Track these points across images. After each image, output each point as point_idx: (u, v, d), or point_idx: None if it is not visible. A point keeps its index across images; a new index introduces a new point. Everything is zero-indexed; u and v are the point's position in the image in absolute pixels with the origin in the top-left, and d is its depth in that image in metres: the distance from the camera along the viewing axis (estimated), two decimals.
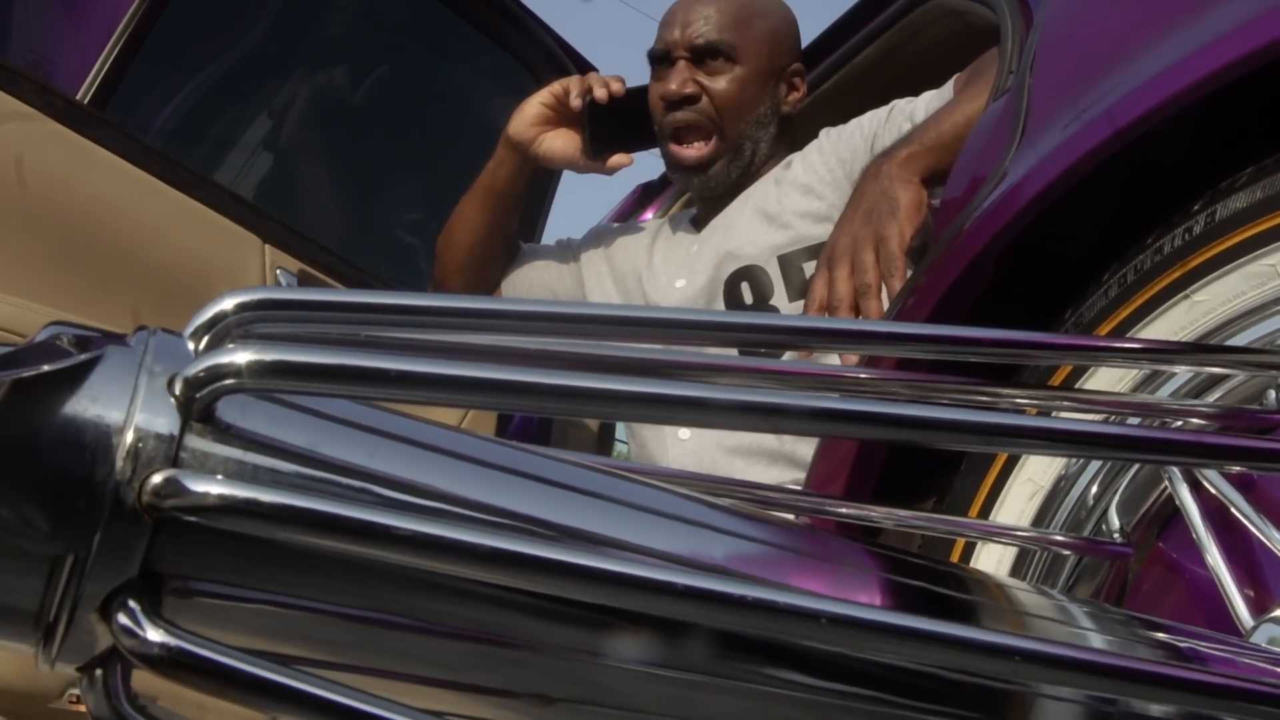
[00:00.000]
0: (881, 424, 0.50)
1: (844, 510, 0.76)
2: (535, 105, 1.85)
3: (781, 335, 0.66)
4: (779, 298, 1.68)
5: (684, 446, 1.67)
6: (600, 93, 1.80)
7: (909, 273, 1.32)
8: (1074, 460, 0.98)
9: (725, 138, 1.77)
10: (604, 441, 2.22)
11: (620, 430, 2.33)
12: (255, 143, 2.25)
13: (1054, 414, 0.96)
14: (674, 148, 1.79)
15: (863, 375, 0.70)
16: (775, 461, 1.62)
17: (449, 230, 1.94)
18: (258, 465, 0.41)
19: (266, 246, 1.81)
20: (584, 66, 2.26)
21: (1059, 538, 0.91)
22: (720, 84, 1.76)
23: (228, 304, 0.44)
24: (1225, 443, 0.61)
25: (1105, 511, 0.97)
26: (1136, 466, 0.96)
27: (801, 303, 1.66)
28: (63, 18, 1.81)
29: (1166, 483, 0.94)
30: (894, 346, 0.71)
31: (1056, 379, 0.99)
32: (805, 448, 1.59)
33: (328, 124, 2.33)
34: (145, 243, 1.68)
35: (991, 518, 1.01)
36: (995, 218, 1.05)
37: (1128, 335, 0.94)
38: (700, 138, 1.77)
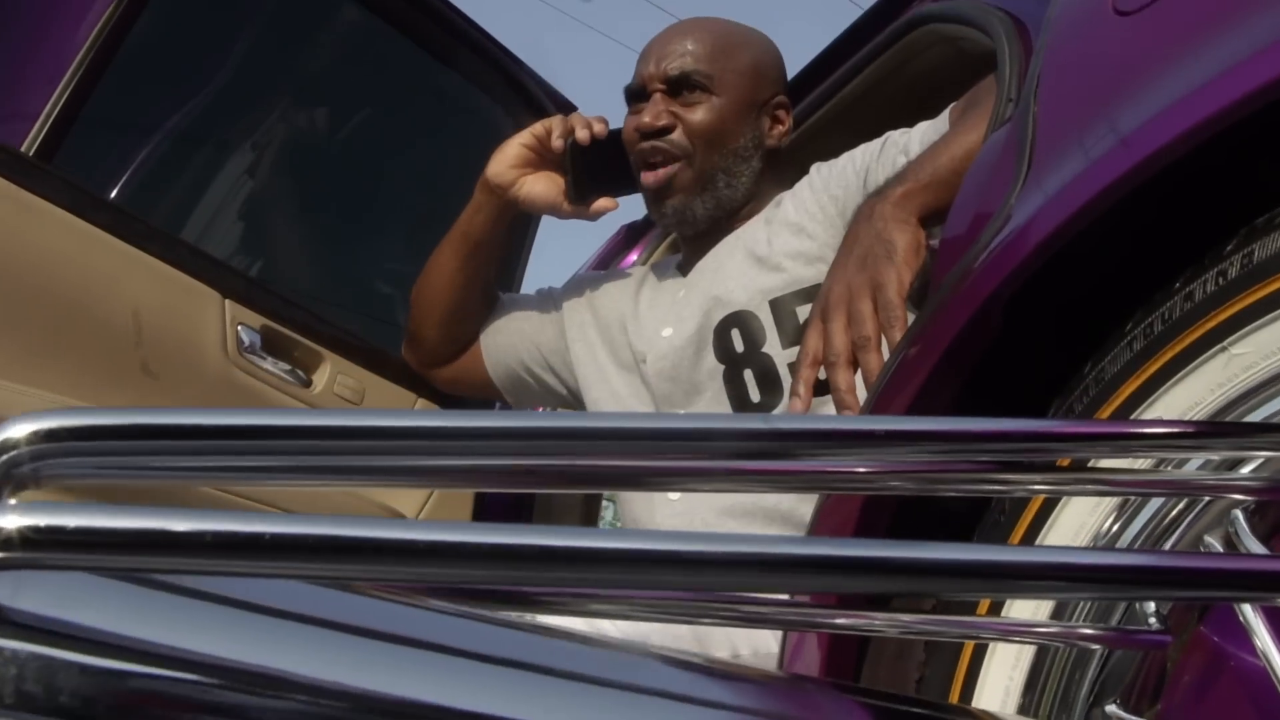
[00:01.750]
0: (860, 572, 0.40)
1: (840, 621, 0.66)
2: (515, 146, 1.76)
3: (762, 443, 0.57)
4: (771, 344, 1.58)
5: (673, 508, 1.56)
6: (582, 134, 1.72)
7: (909, 321, 1.21)
8: (1105, 529, 0.87)
9: (694, 166, 1.67)
10: (590, 502, 2.11)
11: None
12: (221, 193, 2.15)
13: (1069, 499, 0.86)
14: (643, 174, 1.70)
15: (860, 470, 0.60)
16: (772, 521, 1.52)
17: (424, 280, 1.85)
18: (32, 657, 0.31)
19: (227, 302, 1.72)
20: (564, 107, 2.16)
21: (1086, 631, 0.80)
22: (696, 115, 1.68)
23: (17, 432, 0.33)
24: None
25: None
26: (1173, 538, 0.85)
27: (795, 349, 1.56)
28: (4, 64, 1.71)
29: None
30: (896, 449, 0.61)
31: None
32: (805, 506, 1.49)
33: (297, 171, 2.23)
34: (93, 300, 1.58)
35: (1008, 603, 0.90)
36: (1002, 262, 0.94)
37: (1157, 398, 0.84)
38: (666, 162, 1.67)
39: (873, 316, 1.22)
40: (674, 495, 1.57)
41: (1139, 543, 0.86)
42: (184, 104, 2.05)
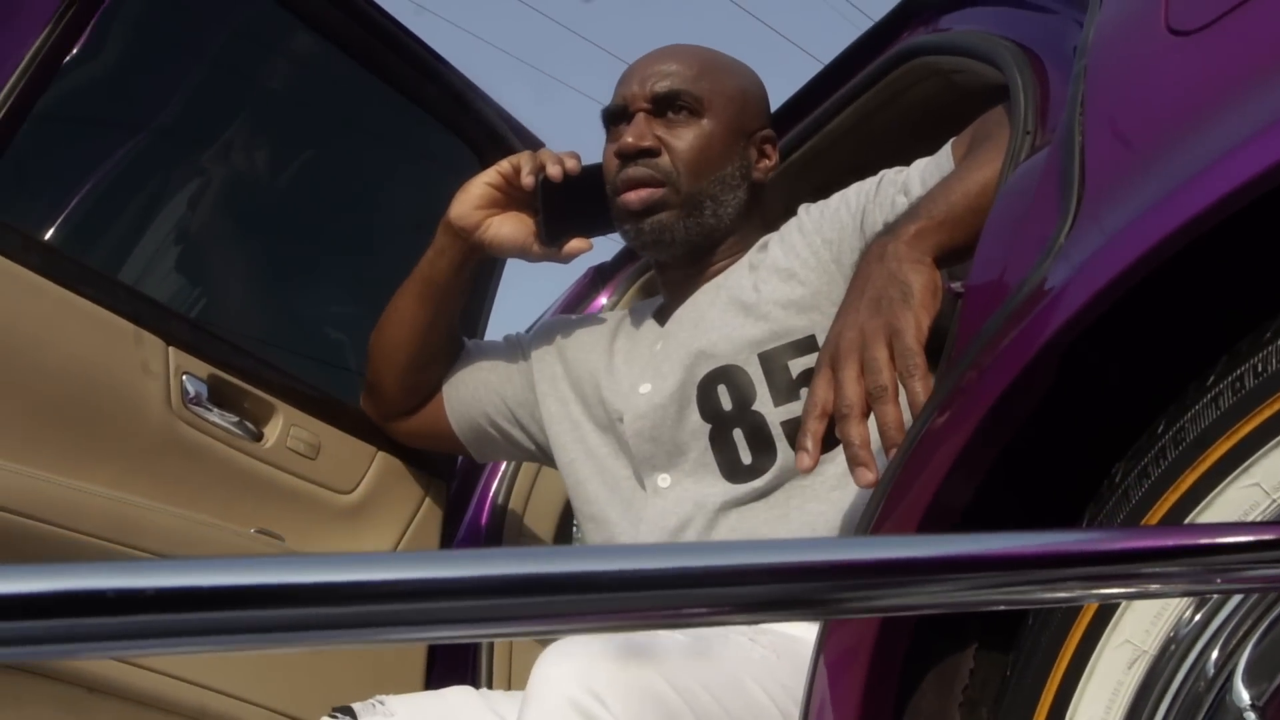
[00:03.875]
0: None
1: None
2: (480, 186, 1.63)
3: (779, 585, 0.48)
4: (762, 401, 1.46)
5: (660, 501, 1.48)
6: (554, 170, 1.59)
7: (930, 373, 1.11)
8: (1186, 616, 0.77)
9: (680, 192, 1.55)
10: (564, 528, 2.00)
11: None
12: (165, 234, 2.01)
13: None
14: (623, 196, 1.57)
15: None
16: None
17: (382, 327, 1.72)
18: None
19: (171, 349, 1.58)
20: (531, 143, 2.05)
21: None
22: (683, 139, 1.56)
23: None
24: None
25: (1230, 680, 0.75)
26: (1270, 619, 0.75)
27: (790, 405, 1.45)
28: None
29: None
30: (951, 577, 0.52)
31: (1156, 513, 0.78)
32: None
33: (247, 211, 2.10)
34: (21, 350, 1.43)
35: (1080, 691, 0.79)
36: (1060, 307, 0.84)
37: (1253, 462, 0.74)
38: (651, 186, 1.56)
39: (889, 365, 1.11)
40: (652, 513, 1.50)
41: (1230, 630, 0.76)
42: (125, 140, 1.91)
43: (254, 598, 0.36)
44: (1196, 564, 0.57)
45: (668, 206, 1.56)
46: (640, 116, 1.57)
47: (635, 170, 1.55)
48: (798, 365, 1.46)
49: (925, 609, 0.58)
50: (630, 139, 1.55)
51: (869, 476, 1.07)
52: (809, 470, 1.12)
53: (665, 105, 1.57)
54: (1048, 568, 0.56)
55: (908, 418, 1.06)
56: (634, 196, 1.56)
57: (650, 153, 1.55)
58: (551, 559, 0.51)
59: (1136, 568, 0.56)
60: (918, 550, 0.56)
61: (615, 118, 1.60)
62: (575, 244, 1.64)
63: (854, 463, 1.09)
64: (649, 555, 0.53)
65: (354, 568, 0.39)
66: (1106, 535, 0.63)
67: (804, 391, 1.42)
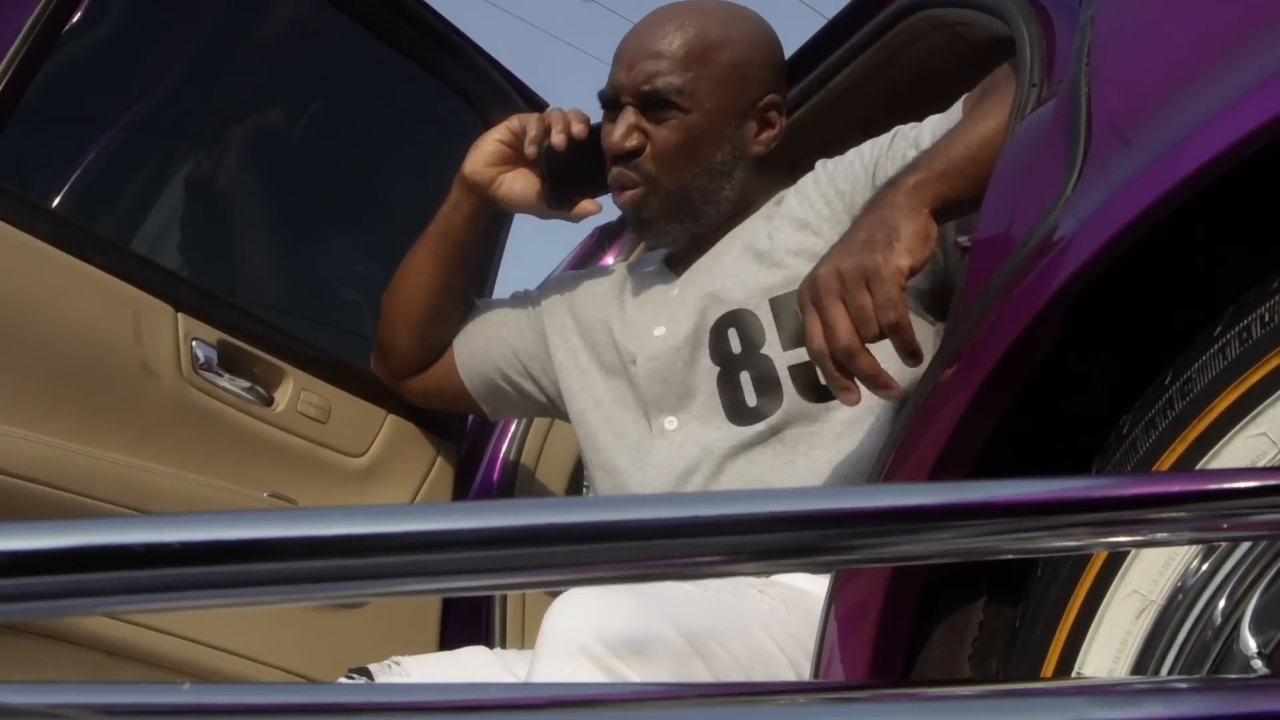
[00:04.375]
0: None
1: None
2: (491, 143, 1.65)
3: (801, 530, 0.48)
4: (771, 345, 1.48)
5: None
6: (558, 139, 1.60)
7: (934, 324, 1.12)
8: (1194, 566, 0.77)
9: (658, 192, 1.56)
10: (574, 487, 2.01)
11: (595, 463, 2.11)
12: (172, 200, 2.01)
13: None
14: (614, 195, 1.61)
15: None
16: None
17: (396, 283, 1.73)
18: None
19: (180, 315, 1.58)
20: (536, 104, 2.04)
21: (1180, 685, 0.69)
22: (665, 133, 1.54)
23: None
24: None
25: (1237, 629, 0.76)
26: (1277, 568, 0.75)
27: (798, 350, 1.46)
28: None
29: None
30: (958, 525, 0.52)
31: (1164, 464, 0.79)
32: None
33: (254, 174, 2.10)
34: (33, 316, 1.44)
35: (1089, 641, 0.80)
36: (1067, 259, 0.84)
37: (1261, 411, 0.74)
38: (631, 187, 1.57)
39: (870, 307, 1.14)
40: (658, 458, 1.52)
41: (1236, 579, 0.76)
42: (132, 103, 1.91)
43: (277, 550, 0.36)
44: (1203, 510, 0.57)
45: (651, 210, 1.57)
46: (627, 110, 1.56)
47: (618, 170, 1.56)
48: None
49: (936, 557, 0.58)
50: (616, 138, 1.55)
51: (896, 388, 1.14)
52: (856, 403, 1.17)
53: (649, 102, 1.55)
54: (1056, 514, 0.56)
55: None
56: (619, 198, 1.59)
57: (634, 153, 1.55)
58: (564, 510, 0.52)
59: (1144, 514, 0.57)
60: (928, 498, 0.56)
61: (609, 104, 1.60)
62: (585, 205, 1.65)
63: (875, 386, 1.15)
64: (660, 505, 0.54)
65: (376, 520, 0.40)
66: (1114, 482, 0.63)
67: None
